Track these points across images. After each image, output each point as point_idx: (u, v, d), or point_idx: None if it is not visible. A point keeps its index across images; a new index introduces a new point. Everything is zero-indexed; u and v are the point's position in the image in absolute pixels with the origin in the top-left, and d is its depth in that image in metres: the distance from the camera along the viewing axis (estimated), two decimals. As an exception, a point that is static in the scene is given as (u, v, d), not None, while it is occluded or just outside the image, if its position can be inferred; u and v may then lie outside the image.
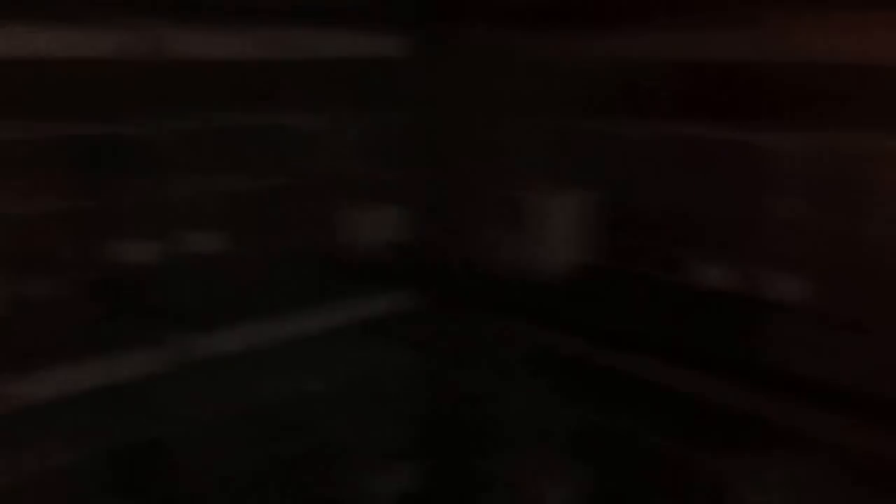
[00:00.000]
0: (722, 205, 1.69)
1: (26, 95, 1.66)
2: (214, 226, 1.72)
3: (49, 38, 1.49)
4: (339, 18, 1.84)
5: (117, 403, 1.73)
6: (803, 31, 1.44)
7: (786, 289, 1.60)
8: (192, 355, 1.69)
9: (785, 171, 1.59)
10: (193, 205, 1.74)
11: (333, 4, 1.83)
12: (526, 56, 1.86)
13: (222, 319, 1.75)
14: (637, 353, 1.71)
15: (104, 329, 1.70)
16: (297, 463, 1.94)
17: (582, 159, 1.88)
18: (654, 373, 1.70)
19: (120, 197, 1.67)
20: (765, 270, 1.64)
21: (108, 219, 1.68)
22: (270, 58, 1.74)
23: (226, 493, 1.83)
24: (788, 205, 1.60)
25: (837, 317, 1.53)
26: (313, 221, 1.92)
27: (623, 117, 1.83)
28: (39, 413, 1.57)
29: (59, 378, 1.53)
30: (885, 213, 1.47)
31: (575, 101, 1.85)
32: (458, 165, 2.06)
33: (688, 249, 1.73)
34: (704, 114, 1.73)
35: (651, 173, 1.79)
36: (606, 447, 1.87)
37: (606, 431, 1.87)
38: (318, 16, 1.81)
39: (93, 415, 1.71)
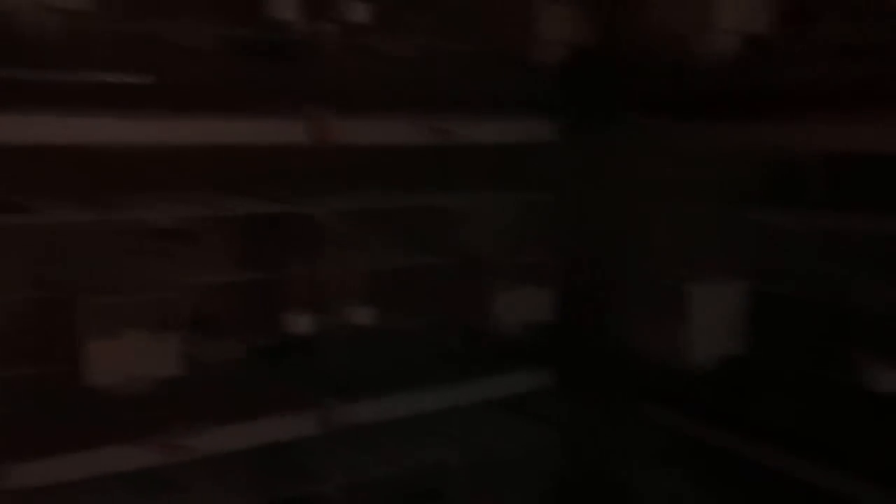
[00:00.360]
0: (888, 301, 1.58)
1: (207, 177, 1.86)
2: (368, 300, 1.83)
3: (224, 126, 1.65)
4: (492, 104, 1.92)
5: (272, 463, 1.86)
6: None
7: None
8: (342, 421, 1.79)
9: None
10: (350, 280, 1.86)
11: (486, 91, 1.91)
12: (676, 143, 1.85)
13: (370, 389, 1.85)
14: (789, 451, 1.63)
15: (266, 392, 1.85)
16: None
17: (736, 248, 1.83)
18: (806, 473, 1.61)
19: (285, 270, 1.81)
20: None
21: (273, 290, 1.83)
22: (425, 143, 1.84)
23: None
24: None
25: None
26: (460, 300, 1.99)
27: (779, 207, 1.77)
28: (208, 466, 1.72)
29: (225, 435, 1.68)
30: None
31: (728, 189, 1.82)
32: (605, 250, 2.07)
33: (854, 347, 1.62)
34: (866, 205, 1.64)
35: (811, 265, 1.71)
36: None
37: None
38: (472, 102, 1.90)
39: (252, 471, 1.85)
